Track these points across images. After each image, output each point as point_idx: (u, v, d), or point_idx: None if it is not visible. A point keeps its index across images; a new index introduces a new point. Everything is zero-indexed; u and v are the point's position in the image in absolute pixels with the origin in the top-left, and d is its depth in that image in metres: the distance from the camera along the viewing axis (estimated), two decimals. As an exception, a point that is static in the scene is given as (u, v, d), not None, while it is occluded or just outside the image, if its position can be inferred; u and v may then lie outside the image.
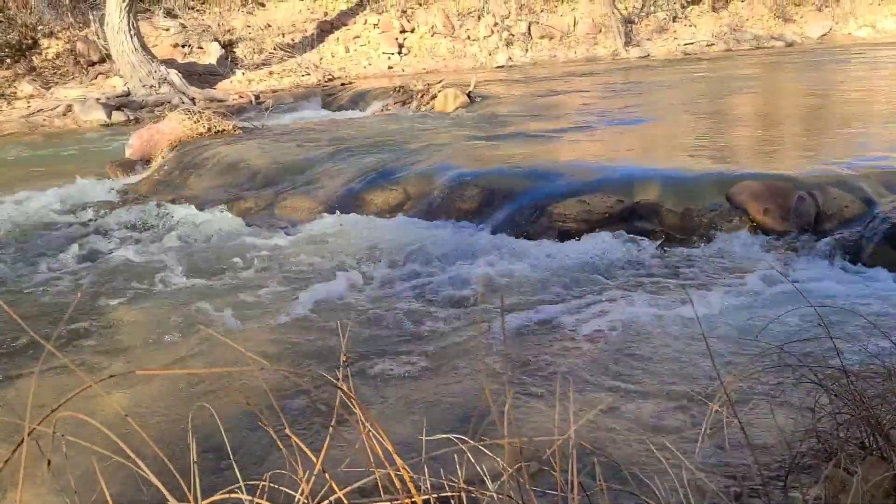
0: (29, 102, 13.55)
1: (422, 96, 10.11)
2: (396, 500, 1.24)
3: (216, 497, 1.19)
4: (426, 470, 1.35)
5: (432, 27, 17.09)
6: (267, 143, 7.22)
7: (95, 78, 14.52)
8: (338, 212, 5.30)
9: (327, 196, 5.63)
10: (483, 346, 3.13)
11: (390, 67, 16.26)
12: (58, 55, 15.04)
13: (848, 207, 3.99)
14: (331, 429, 1.28)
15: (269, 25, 16.94)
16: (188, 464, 1.24)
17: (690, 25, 18.38)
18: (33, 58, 14.89)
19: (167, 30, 15.85)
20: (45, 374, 2.84)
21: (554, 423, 1.36)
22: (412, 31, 17.03)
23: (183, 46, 15.64)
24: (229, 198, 6.04)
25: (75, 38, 15.14)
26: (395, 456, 1.21)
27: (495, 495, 1.27)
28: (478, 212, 4.90)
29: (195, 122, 7.72)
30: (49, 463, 1.18)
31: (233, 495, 1.21)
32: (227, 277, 4.23)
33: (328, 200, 5.56)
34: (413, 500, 1.23)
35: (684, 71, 13.02)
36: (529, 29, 17.45)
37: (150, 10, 16.18)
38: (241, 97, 13.41)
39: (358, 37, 16.88)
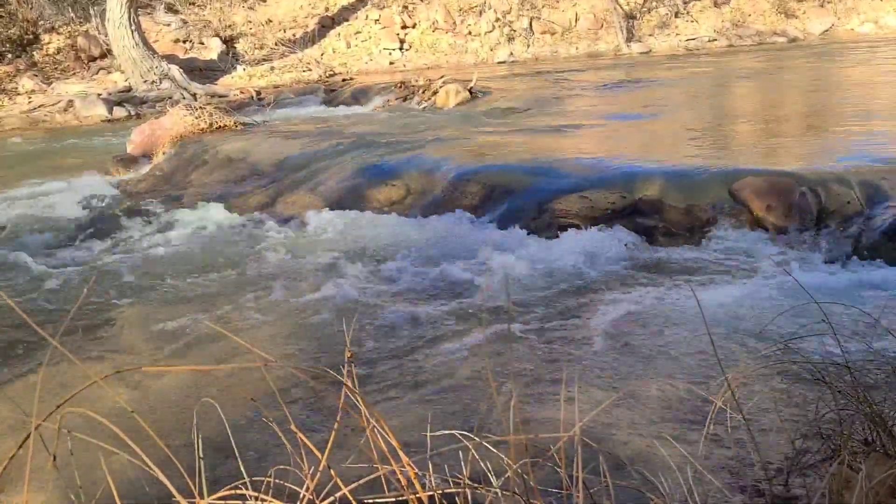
0: (30, 98, 13.54)
1: (423, 92, 10.10)
2: (401, 496, 1.24)
3: (221, 493, 1.19)
4: (431, 466, 1.35)
5: (433, 23, 17.06)
6: (268, 138, 7.21)
7: (96, 73, 14.51)
8: (339, 207, 5.30)
9: (329, 192, 5.63)
10: (487, 341, 3.13)
11: (391, 63, 16.23)
12: (59, 50, 15.03)
13: (850, 203, 3.98)
14: (335, 425, 1.28)
15: (270, 21, 16.92)
16: (193, 460, 1.25)
17: (692, 21, 18.33)
18: (34, 53, 14.88)
19: (168, 25, 15.84)
20: (51, 371, 2.84)
21: (559, 419, 1.36)
22: (413, 26, 17.00)
23: (184, 42, 15.63)
24: (231, 193, 6.04)
25: (76, 34, 15.13)
26: (399, 452, 1.21)
27: (500, 492, 1.27)
28: (479, 207, 4.89)
29: (196, 118, 7.71)
30: (54, 458, 1.18)
31: (238, 491, 1.21)
32: (230, 273, 4.23)
33: (330, 196, 5.56)
34: (418, 496, 1.23)
35: (686, 67, 12.99)
36: (531, 24, 17.42)
37: (151, 5, 16.17)
38: (242, 93, 13.39)
39: (359, 32, 16.86)
